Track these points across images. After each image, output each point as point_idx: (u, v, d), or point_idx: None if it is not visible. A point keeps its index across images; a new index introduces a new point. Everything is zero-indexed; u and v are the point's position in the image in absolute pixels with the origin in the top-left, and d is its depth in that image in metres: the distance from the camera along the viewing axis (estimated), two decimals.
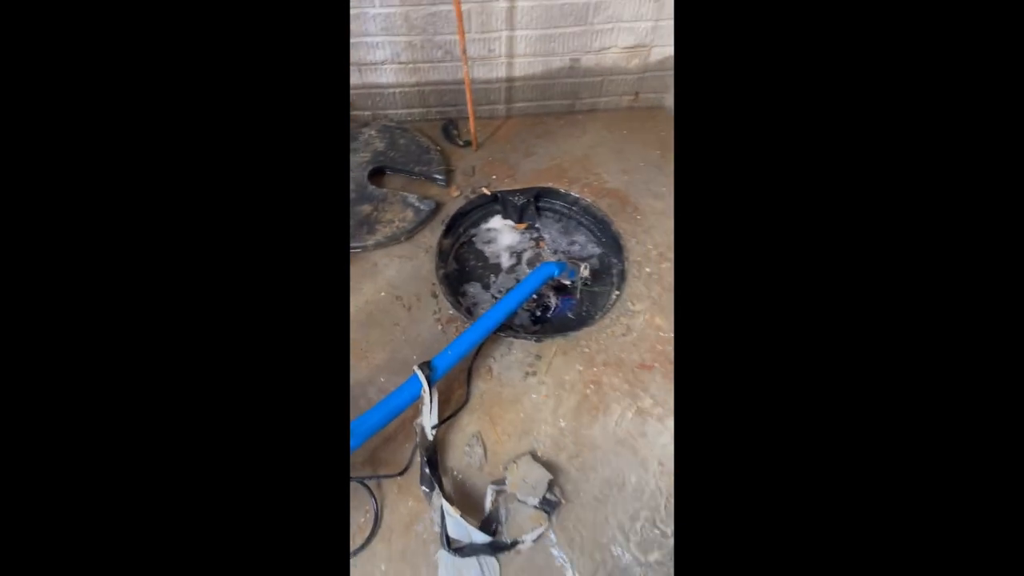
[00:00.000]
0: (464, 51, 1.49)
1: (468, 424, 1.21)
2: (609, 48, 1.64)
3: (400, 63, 1.60)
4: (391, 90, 1.68)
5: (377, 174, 1.63)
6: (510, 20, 1.52)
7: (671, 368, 1.28)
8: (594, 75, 1.72)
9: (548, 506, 1.08)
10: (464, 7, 1.44)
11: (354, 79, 1.63)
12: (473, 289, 1.53)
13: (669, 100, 1.83)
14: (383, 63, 1.59)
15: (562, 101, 1.80)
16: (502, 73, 1.68)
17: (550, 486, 1.09)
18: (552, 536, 1.05)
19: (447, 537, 1.04)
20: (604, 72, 1.71)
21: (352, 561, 1.04)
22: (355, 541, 1.05)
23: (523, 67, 1.66)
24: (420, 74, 1.64)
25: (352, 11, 1.44)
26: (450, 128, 1.76)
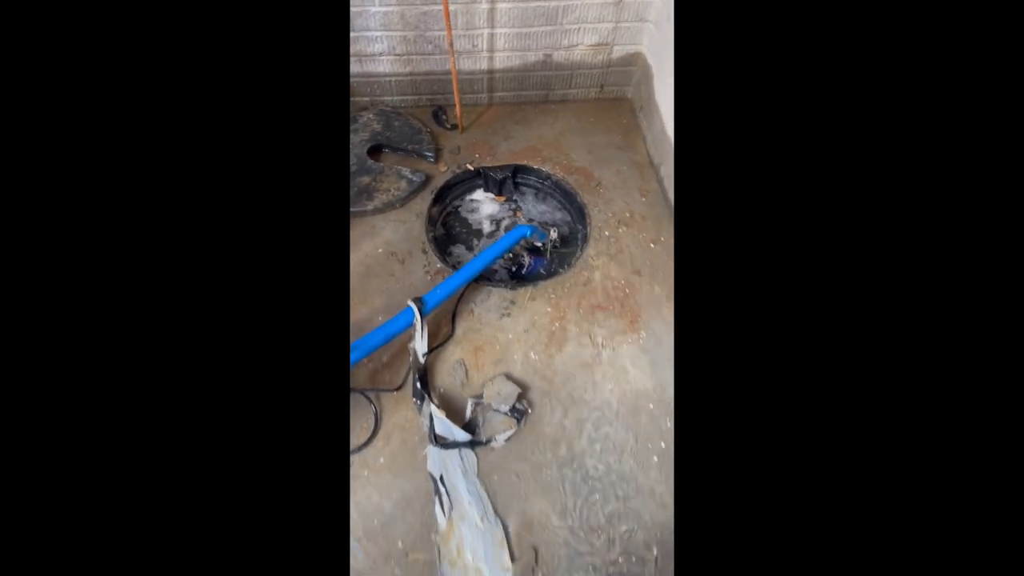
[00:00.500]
0: (451, 45, 1.73)
1: (453, 354, 1.44)
2: (577, 45, 1.89)
3: (396, 55, 1.83)
4: (387, 79, 1.91)
5: (375, 151, 1.86)
6: (491, 19, 1.76)
7: (622, 309, 1.53)
8: (564, 69, 1.97)
9: (517, 414, 1.33)
10: (451, 7, 1.68)
11: (355, 68, 1.86)
12: (458, 250, 1.77)
13: (630, 92, 2.09)
14: (381, 55, 1.82)
15: (537, 91, 2.05)
16: (484, 66, 1.92)
17: (519, 398, 1.34)
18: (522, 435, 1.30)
19: (435, 434, 1.28)
20: (573, 67, 1.97)
21: (357, 456, 1.27)
22: (360, 440, 1.28)
23: (502, 61, 1.91)
24: (413, 65, 1.88)
25: (355, 9, 1.67)
26: (439, 113, 1.99)
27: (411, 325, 1.32)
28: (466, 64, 1.89)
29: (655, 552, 1.16)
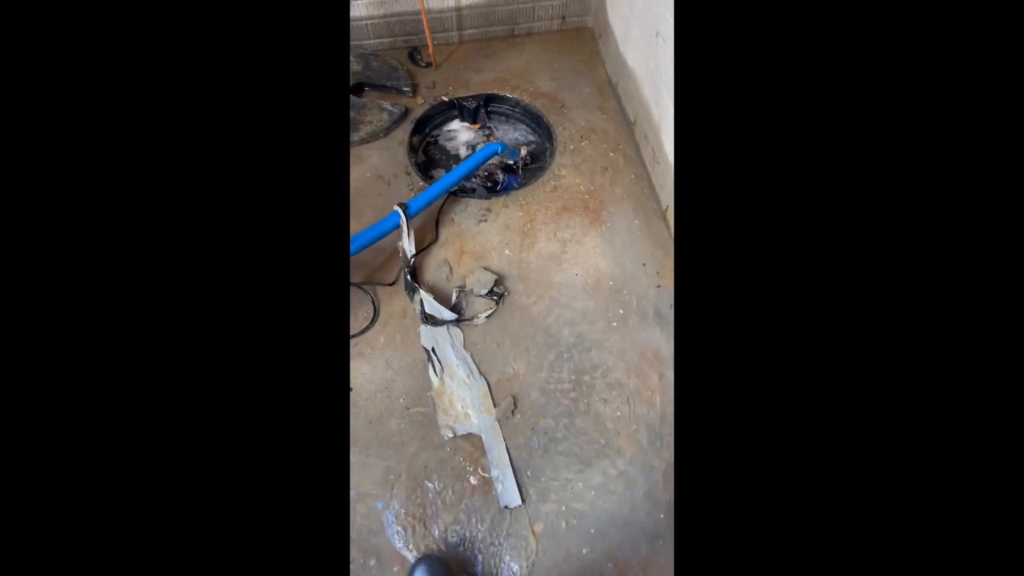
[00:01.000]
0: None
1: (438, 255, 1.65)
2: None
3: None
4: (363, 22, 2.06)
5: (357, 89, 2.03)
6: None
7: (585, 209, 1.73)
8: (527, 2, 2.11)
9: (496, 296, 1.54)
10: None
11: None
12: (438, 173, 1.96)
13: (590, 22, 2.23)
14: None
15: (504, 26, 2.19)
16: (452, 3, 2.07)
17: (496, 283, 1.55)
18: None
19: (425, 314, 1.50)
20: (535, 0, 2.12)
21: (361, 338, 1.49)
22: (362, 326, 1.50)
23: None
24: (386, 7, 2.02)
25: None
26: (414, 54, 2.15)
27: (398, 227, 1.53)
28: (435, 3, 2.04)
29: (613, 394, 1.39)
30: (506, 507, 1.23)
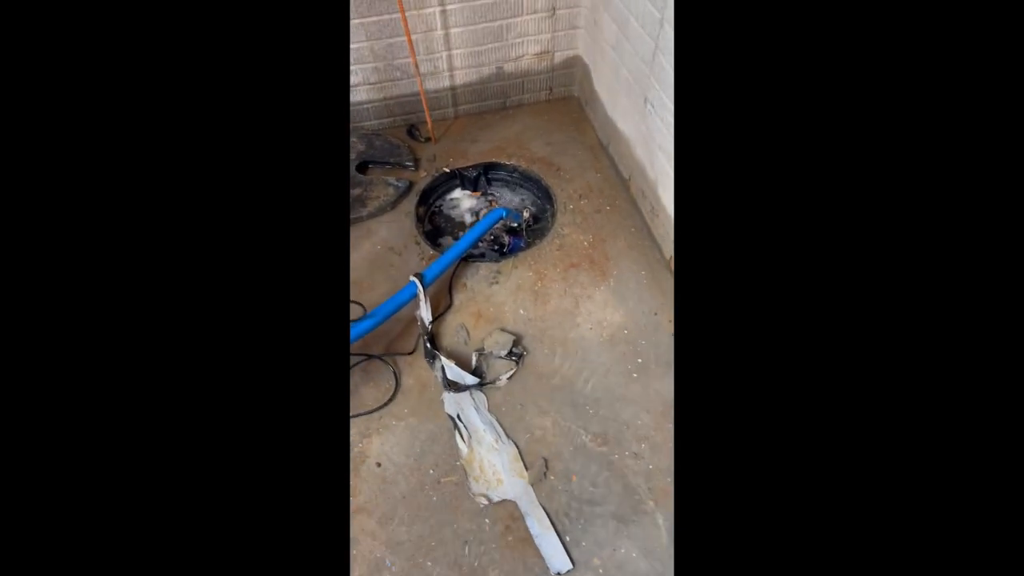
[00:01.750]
0: (417, 69, 2.03)
1: (454, 320, 1.68)
2: (523, 56, 2.20)
3: (369, 84, 2.12)
4: (365, 106, 2.19)
5: (362, 167, 2.13)
6: (447, 43, 2.06)
7: (591, 264, 1.79)
8: (516, 78, 2.28)
9: (515, 357, 1.56)
10: (413, 37, 1.98)
11: None
12: (446, 241, 2.02)
13: (576, 91, 2.40)
14: (356, 85, 2.11)
15: (496, 100, 2.35)
16: (447, 83, 2.22)
17: (515, 343, 1.58)
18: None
19: (448, 381, 1.51)
20: (523, 75, 2.28)
21: (385, 410, 1.49)
22: (385, 398, 1.51)
23: (462, 77, 2.21)
24: (385, 91, 2.17)
25: None
26: (413, 130, 2.27)
27: (415, 296, 1.57)
28: (431, 84, 2.19)
29: (643, 447, 1.39)
30: (557, 574, 1.20)
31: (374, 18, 1.91)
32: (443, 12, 1.96)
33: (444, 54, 2.10)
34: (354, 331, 1.44)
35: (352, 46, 1.98)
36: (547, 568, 1.21)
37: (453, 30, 2.02)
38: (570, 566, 1.21)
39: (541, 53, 2.21)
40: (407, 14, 1.89)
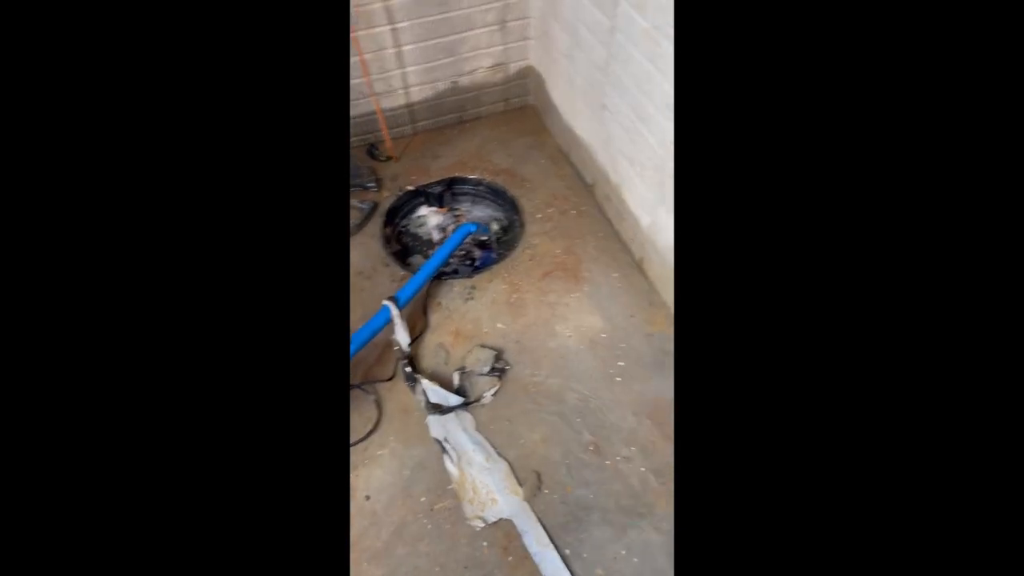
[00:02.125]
0: (371, 88, 2.00)
1: (432, 340, 1.66)
2: (477, 69, 2.20)
3: None
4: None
5: None
6: (400, 61, 2.04)
7: (565, 271, 1.80)
8: (471, 91, 2.28)
9: (498, 372, 1.55)
10: (365, 56, 1.95)
11: None
12: (416, 260, 1.99)
13: (532, 100, 2.42)
14: None
15: (453, 115, 2.34)
16: (403, 101, 2.19)
17: (496, 358, 1.56)
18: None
19: (431, 404, 1.48)
20: (478, 88, 2.28)
21: (368, 440, 1.44)
22: (367, 428, 1.46)
23: (417, 94, 2.19)
24: None
25: None
26: (372, 149, 2.24)
27: (390, 321, 1.53)
28: (387, 102, 2.16)
29: (633, 449, 1.40)
30: None
31: None
32: (393, 30, 1.94)
33: (398, 72, 2.08)
34: None
35: None
36: None
37: (405, 48, 2.01)
38: None
39: (495, 66, 2.22)
40: (357, 34, 1.87)
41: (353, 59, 1.95)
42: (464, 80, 2.22)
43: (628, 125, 1.58)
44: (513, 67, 2.26)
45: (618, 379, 1.53)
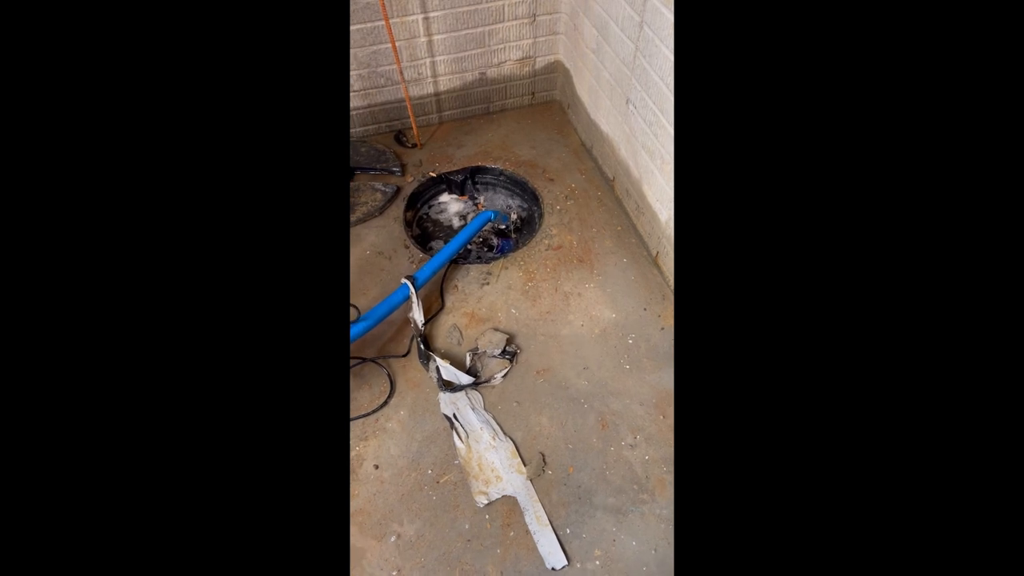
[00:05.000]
0: (402, 76, 2.05)
1: (447, 321, 1.69)
2: (505, 62, 2.24)
3: (354, 91, 2.13)
4: (349, 113, 2.21)
5: (349, 174, 2.13)
6: (431, 49, 2.09)
7: (580, 263, 1.82)
8: (498, 83, 2.32)
9: (509, 355, 1.58)
10: (397, 43, 2.00)
11: None
12: (435, 244, 2.04)
13: (558, 95, 2.45)
14: None
15: (479, 105, 2.38)
16: (431, 90, 2.24)
17: (508, 342, 1.59)
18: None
19: (443, 381, 1.51)
20: (505, 80, 2.31)
21: (380, 413, 1.48)
22: (380, 400, 1.50)
23: (446, 83, 2.24)
24: (370, 98, 2.18)
25: None
26: (400, 136, 2.29)
27: (408, 299, 1.57)
28: (415, 90, 2.21)
29: (638, 437, 1.42)
30: (552, 569, 1.21)
31: (357, 26, 1.93)
32: (426, 19, 1.99)
33: (428, 60, 2.13)
34: (349, 334, 1.44)
35: None
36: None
37: (436, 37, 2.05)
38: (564, 563, 1.22)
39: (523, 59, 2.25)
40: (390, 21, 1.92)
41: (385, 46, 2.00)
42: (492, 72, 2.26)
43: (651, 119, 1.60)
44: (541, 61, 2.29)
45: (627, 368, 1.55)
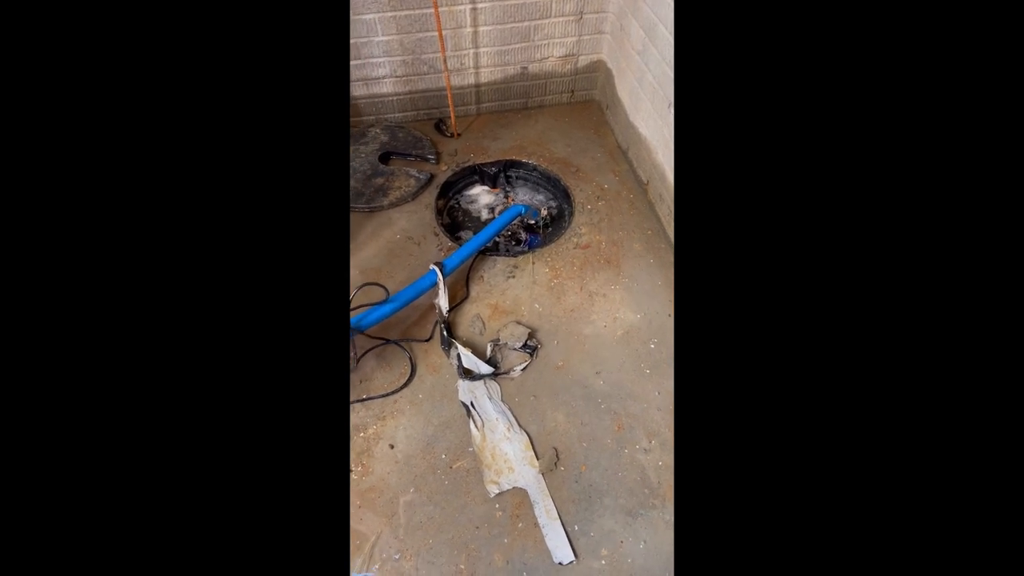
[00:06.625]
0: (445, 65, 2.06)
1: (470, 311, 1.71)
2: (548, 58, 2.24)
3: (396, 77, 2.15)
4: (390, 98, 2.23)
5: (385, 158, 2.16)
6: (475, 41, 2.10)
7: (608, 264, 1.82)
8: (539, 79, 2.32)
9: (530, 349, 1.58)
10: (444, 32, 2.02)
11: (362, 91, 2.18)
12: (464, 234, 2.05)
13: (597, 95, 2.44)
14: (384, 77, 2.15)
15: (518, 100, 2.38)
16: (472, 81, 2.25)
17: (530, 336, 1.60)
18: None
19: (463, 369, 1.53)
20: (546, 76, 2.31)
21: (400, 394, 1.51)
22: (401, 382, 1.53)
23: (487, 75, 2.25)
24: (411, 84, 2.20)
25: (361, 39, 2.00)
26: (440, 124, 2.31)
27: (435, 285, 1.59)
28: (456, 80, 2.23)
29: (653, 442, 1.41)
30: (559, 563, 1.22)
31: (407, 12, 1.95)
32: (474, 9, 2.00)
33: (471, 51, 2.14)
34: (376, 314, 1.46)
35: (383, 39, 2.01)
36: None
37: (482, 28, 2.06)
38: (572, 558, 1.23)
39: (566, 56, 2.25)
40: (439, 9, 1.93)
41: (431, 34, 2.02)
42: (533, 67, 2.26)
43: None
44: (583, 60, 2.29)
45: (647, 372, 1.54)
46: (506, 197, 2.18)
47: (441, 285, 1.59)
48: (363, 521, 1.29)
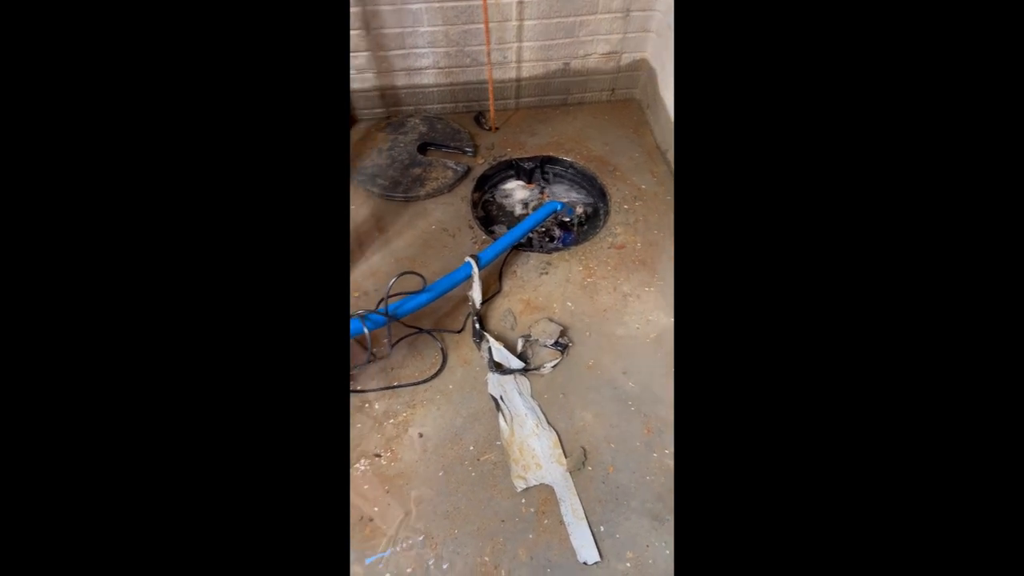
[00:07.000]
0: (489, 57, 2.06)
1: (502, 305, 1.71)
2: (591, 55, 2.22)
3: (438, 68, 2.16)
4: (431, 89, 2.24)
5: (423, 148, 2.17)
6: (520, 34, 2.09)
7: (642, 265, 1.80)
8: (580, 75, 2.30)
9: (561, 347, 1.58)
10: (489, 25, 2.01)
11: (403, 81, 2.19)
12: (499, 228, 2.05)
13: (638, 94, 2.41)
14: (426, 68, 2.15)
15: (557, 96, 2.37)
16: (513, 75, 2.25)
17: (561, 334, 1.59)
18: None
19: (494, 362, 1.53)
20: (588, 73, 2.29)
21: (430, 383, 1.52)
22: (431, 372, 1.54)
23: (528, 70, 2.24)
24: (452, 76, 2.21)
25: (406, 29, 2.01)
26: (480, 117, 2.31)
27: (469, 277, 1.60)
28: (497, 74, 2.22)
29: None
30: (584, 563, 1.22)
31: (453, 3, 1.95)
32: (520, 3, 1.99)
33: (514, 45, 2.13)
34: (412, 303, 1.48)
35: (428, 29, 2.02)
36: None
37: (527, 22, 2.05)
38: (598, 559, 1.22)
39: (609, 54, 2.23)
40: (488, 1, 1.93)
41: (477, 26, 2.01)
42: (576, 63, 2.24)
43: None
44: (626, 58, 2.26)
45: None
46: (541, 193, 2.17)
47: (475, 277, 1.59)
48: (390, 506, 1.31)
